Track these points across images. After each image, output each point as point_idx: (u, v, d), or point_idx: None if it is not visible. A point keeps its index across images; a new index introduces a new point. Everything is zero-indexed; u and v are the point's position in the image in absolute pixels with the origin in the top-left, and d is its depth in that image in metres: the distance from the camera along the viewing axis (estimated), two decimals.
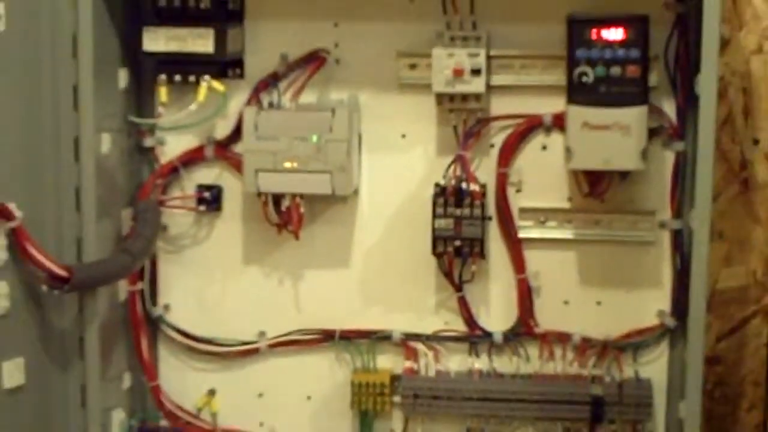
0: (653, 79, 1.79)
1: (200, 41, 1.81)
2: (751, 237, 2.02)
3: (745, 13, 1.97)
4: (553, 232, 1.89)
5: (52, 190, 1.74)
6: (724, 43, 1.94)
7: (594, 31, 1.75)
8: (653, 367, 1.89)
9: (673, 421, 1.87)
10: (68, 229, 1.76)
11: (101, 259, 1.79)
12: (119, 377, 1.91)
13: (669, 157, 1.84)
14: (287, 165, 1.82)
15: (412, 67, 1.86)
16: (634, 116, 1.75)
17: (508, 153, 1.87)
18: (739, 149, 2.00)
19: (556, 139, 1.86)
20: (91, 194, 1.77)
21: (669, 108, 1.82)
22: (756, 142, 2.00)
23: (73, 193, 1.76)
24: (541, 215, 1.88)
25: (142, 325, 1.93)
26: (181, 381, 1.97)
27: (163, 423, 1.97)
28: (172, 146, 1.92)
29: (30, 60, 1.70)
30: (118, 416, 1.90)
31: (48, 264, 1.67)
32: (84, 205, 1.77)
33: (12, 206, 1.64)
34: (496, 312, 1.91)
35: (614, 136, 1.75)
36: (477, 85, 1.81)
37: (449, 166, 1.86)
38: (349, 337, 1.93)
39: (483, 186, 1.85)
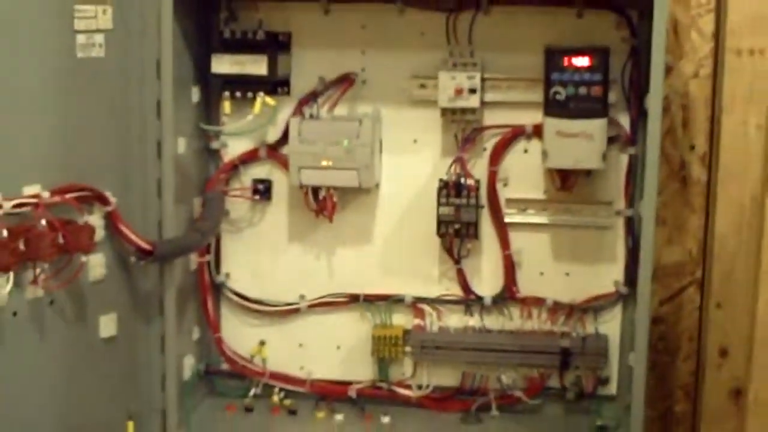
0: (612, 97, 1.80)
1: (256, 65, 1.83)
2: (687, 223, 2.03)
3: (685, 46, 1.98)
4: (532, 218, 1.90)
5: (139, 181, 1.76)
6: (668, 70, 1.94)
7: (566, 59, 1.77)
8: (610, 325, 1.90)
9: (624, 368, 1.88)
10: (152, 213, 1.78)
11: (177, 237, 1.81)
12: (190, 330, 1.93)
13: (624, 159, 1.85)
14: (324, 163, 1.84)
15: (422, 86, 1.87)
16: (596, 126, 1.77)
17: (497, 155, 1.89)
18: (679, 153, 2.01)
19: (535, 145, 1.87)
20: (170, 185, 1.78)
21: (624, 120, 1.84)
22: (692, 147, 2.01)
23: (156, 184, 1.78)
24: (523, 204, 1.90)
25: (208, 289, 1.95)
26: (239, 333, 1.98)
27: (224, 366, 1.98)
28: (233, 148, 1.94)
29: (123, 80, 1.72)
30: (189, 361, 1.92)
31: (136, 240, 1.71)
32: (164, 194, 1.78)
33: (108, 194, 1.68)
34: (487, 281, 1.93)
35: (581, 142, 1.77)
36: (473, 101, 1.83)
37: (451, 165, 1.88)
38: (370, 299, 1.94)
39: (477, 181, 1.87)
